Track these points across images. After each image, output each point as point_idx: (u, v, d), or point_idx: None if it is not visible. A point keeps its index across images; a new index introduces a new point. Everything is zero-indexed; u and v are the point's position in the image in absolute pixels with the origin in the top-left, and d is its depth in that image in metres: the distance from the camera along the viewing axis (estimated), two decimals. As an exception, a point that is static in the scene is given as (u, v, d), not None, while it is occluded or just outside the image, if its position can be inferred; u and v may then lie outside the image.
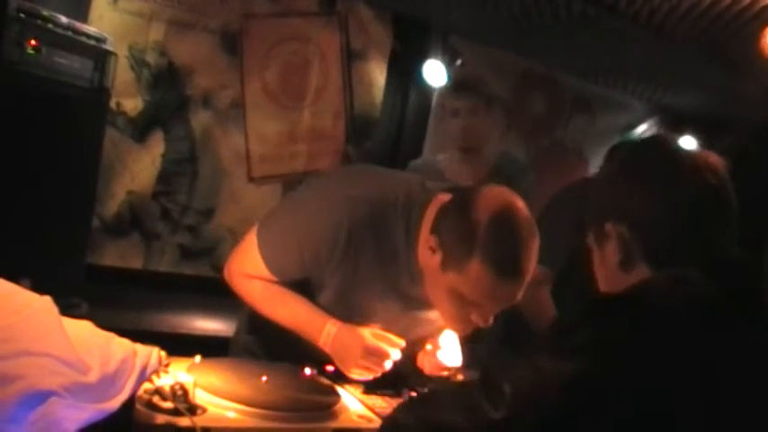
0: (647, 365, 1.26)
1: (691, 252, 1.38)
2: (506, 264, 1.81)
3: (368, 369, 2.00)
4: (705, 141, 5.09)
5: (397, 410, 1.47)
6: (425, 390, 2.10)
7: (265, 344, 2.28)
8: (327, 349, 2.04)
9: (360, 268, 2.01)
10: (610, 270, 1.46)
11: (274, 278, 2.09)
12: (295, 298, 2.09)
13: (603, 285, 1.51)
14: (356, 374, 2.02)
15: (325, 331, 2.03)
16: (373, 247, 2.00)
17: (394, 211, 2.00)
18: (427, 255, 1.92)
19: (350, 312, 2.07)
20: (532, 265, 1.86)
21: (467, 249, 1.81)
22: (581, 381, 1.24)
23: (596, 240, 1.50)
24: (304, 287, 2.11)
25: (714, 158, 1.43)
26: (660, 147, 1.48)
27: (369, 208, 2.00)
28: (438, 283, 1.92)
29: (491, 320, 1.94)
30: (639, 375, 1.25)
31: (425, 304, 2.08)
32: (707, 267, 1.35)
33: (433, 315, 2.13)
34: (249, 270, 2.11)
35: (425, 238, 1.94)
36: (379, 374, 2.02)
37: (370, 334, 2.00)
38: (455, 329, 2.06)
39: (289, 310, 2.09)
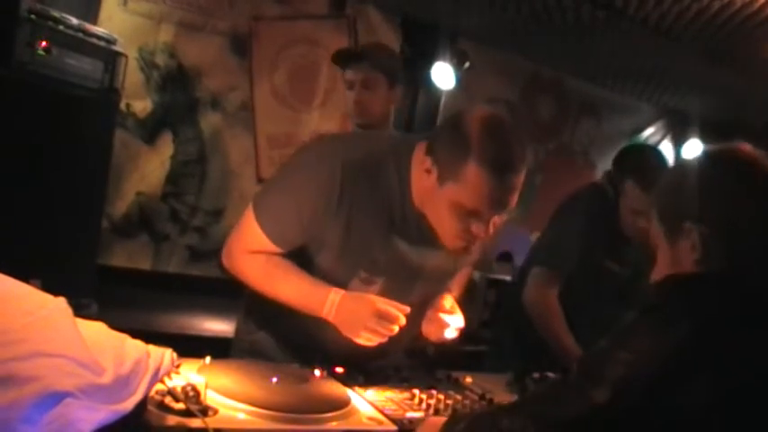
0: (738, 337, 1.38)
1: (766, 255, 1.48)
2: (501, 163, 1.88)
3: (376, 333, 2.00)
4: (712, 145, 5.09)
5: (495, 417, 1.52)
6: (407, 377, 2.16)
7: (279, 340, 2.28)
8: (332, 318, 2.03)
9: (357, 219, 2.03)
10: (683, 267, 1.52)
11: (276, 248, 2.08)
12: (296, 272, 2.08)
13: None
14: (364, 339, 2.01)
15: (329, 300, 2.02)
16: (369, 196, 2.03)
17: (384, 159, 2.06)
18: (424, 178, 1.97)
19: (352, 267, 2.08)
20: (524, 168, 1.93)
21: (462, 157, 1.88)
22: (680, 350, 1.35)
23: (668, 238, 1.56)
24: (301, 262, 2.12)
25: None
26: (742, 158, 1.55)
27: (360, 158, 2.05)
28: (437, 201, 1.97)
29: (491, 230, 1.98)
30: (733, 345, 1.37)
31: (425, 251, 2.11)
32: None
33: (435, 261, 2.15)
34: (250, 246, 2.11)
35: (420, 161, 1.99)
36: (385, 339, 2.02)
37: (377, 299, 2.02)
38: (457, 246, 2.06)
39: (291, 284, 2.09)
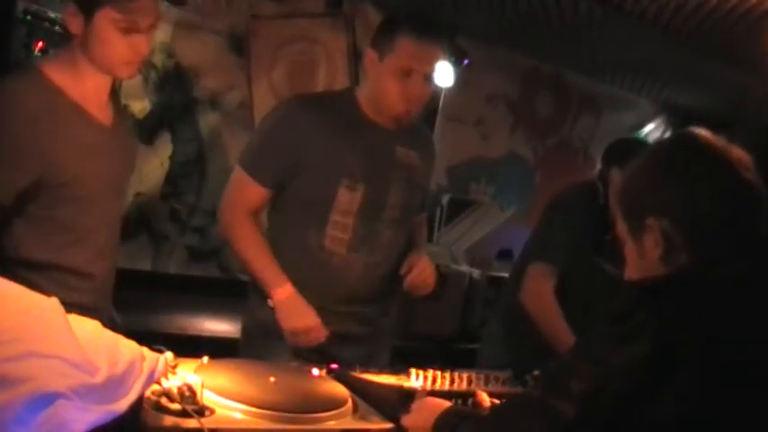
0: (706, 341, 1.35)
1: (731, 243, 1.44)
2: (424, 29, 2.39)
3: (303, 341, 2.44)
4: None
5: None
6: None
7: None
8: (277, 305, 2.43)
9: (324, 142, 2.45)
10: (648, 261, 1.50)
11: (256, 185, 2.47)
12: (271, 256, 2.49)
13: (637, 274, 1.55)
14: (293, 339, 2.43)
15: (281, 288, 2.43)
16: (329, 122, 2.47)
17: (337, 94, 2.71)
18: (370, 66, 2.47)
19: (336, 179, 2.45)
20: (444, 37, 2.49)
21: (393, 31, 2.40)
22: (647, 362, 1.33)
23: (632, 233, 1.54)
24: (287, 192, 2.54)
25: (743, 153, 1.49)
26: (698, 143, 1.51)
27: (316, 98, 2.75)
28: (380, 77, 2.44)
29: (424, 90, 2.44)
30: (700, 351, 1.34)
31: (387, 156, 2.55)
32: (742, 252, 1.44)
33: (400, 162, 2.57)
34: (237, 192, 2.51)
35: (367, 60, 2.49)
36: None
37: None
38: (402, 111, 2.47)
39: (262, 258, 2.49)
